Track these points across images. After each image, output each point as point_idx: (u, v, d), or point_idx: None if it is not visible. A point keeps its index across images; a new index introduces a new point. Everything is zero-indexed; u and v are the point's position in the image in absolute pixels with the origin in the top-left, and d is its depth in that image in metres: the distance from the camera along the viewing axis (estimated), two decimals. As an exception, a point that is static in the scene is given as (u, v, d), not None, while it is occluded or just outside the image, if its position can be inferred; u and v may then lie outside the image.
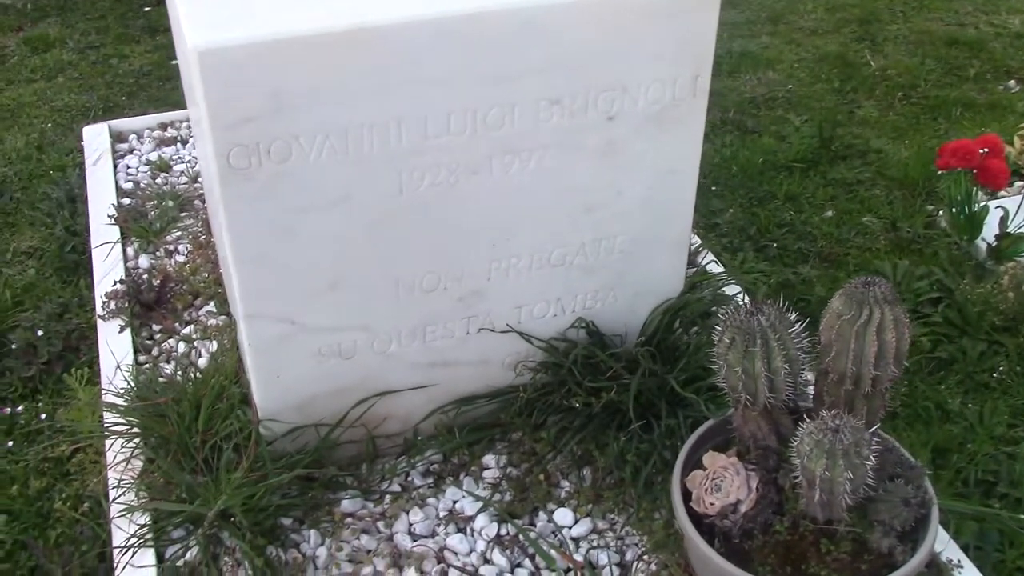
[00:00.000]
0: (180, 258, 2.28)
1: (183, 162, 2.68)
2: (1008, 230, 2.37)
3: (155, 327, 2.08)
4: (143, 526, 1.61)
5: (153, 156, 2.69)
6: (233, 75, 1.34)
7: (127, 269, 2.23)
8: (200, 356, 1.99)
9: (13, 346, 2.19)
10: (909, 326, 1.41)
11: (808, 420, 1.37)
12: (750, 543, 1.46)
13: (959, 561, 1.58)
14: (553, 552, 1.62)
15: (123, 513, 1.64)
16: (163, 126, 2.82)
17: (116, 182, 2.55)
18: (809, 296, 2.38)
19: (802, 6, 4.02)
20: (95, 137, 2.72)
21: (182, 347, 2.02)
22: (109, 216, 2.37)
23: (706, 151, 2.97)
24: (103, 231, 2.34)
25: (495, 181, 1.57)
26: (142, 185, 2.57)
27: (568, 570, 1.60)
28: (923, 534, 1.43)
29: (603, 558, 1.62)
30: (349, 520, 1.68)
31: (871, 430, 1.39)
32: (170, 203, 2.42)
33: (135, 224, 2.35)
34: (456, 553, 1.64)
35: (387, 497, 1.73)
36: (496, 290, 1.70)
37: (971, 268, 2.40)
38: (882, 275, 2.41)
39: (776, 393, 1.43)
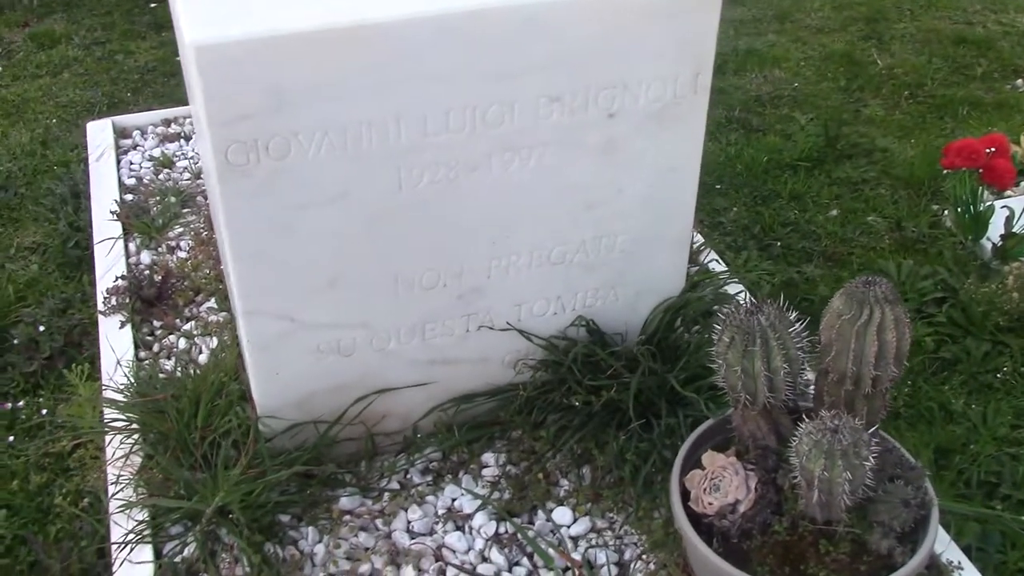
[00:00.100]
0: (182, 254, 2.28)
1: (186, 158, 2.68)
2: (1014, 230, 2.35)
3: (156, 323, 2.08)
4: (141, 522, 1.61)
5: (156, 152, 2.69)
6: (231, 71, 1.34)
7: (129, 265, 2.23)
8: (200, 352, 1.99)
9: (15, 341, 2.20)
10: (910, 326, 1.41)
11: (807, 420, 1.36)
12: (748, 543, 1.46)
13: (959, 563, 1.58)
14: (551, 551, 1.61)
15: (121, 509, 1.64)
16: (167, 122, 2.82)
17: (119, 178, 2.55)
18: (812, 295, 2.37)
19: (809, 4, 4.00)
20: (99, 133, 2.73)
21: (183, 343, 2.02)
22: (111, 212, 2.37)
23: (711, 149, 2.97)
24: (105, 227, 2.34)
25: (495, 179, 1.57)
26: (145, 181, 2.58)
27: (566, 569, 1.60)
28: (923, 535, 1.42)
29: (601, 557, 1.61)
30: (347, 517, 1.68)
31: (870, 430, 1.38)
32: (172, 199, 2.42)
33: (137, 220, 2.35)
34: (454, 551, 1.63)
35: (386, 495, 1.73)
36: (496, 288, 1.70)
37: (976, 268, 2.38)
38: (886, 275, 2.40)
39: (775, 393, 1.42)
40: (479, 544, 1.64)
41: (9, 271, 2.47)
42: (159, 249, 2.31)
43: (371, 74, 1.40)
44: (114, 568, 1.58)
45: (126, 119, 2.84)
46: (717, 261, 2.25)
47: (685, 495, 1.51)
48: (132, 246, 2.31)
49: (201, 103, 1.36)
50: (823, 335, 1.44)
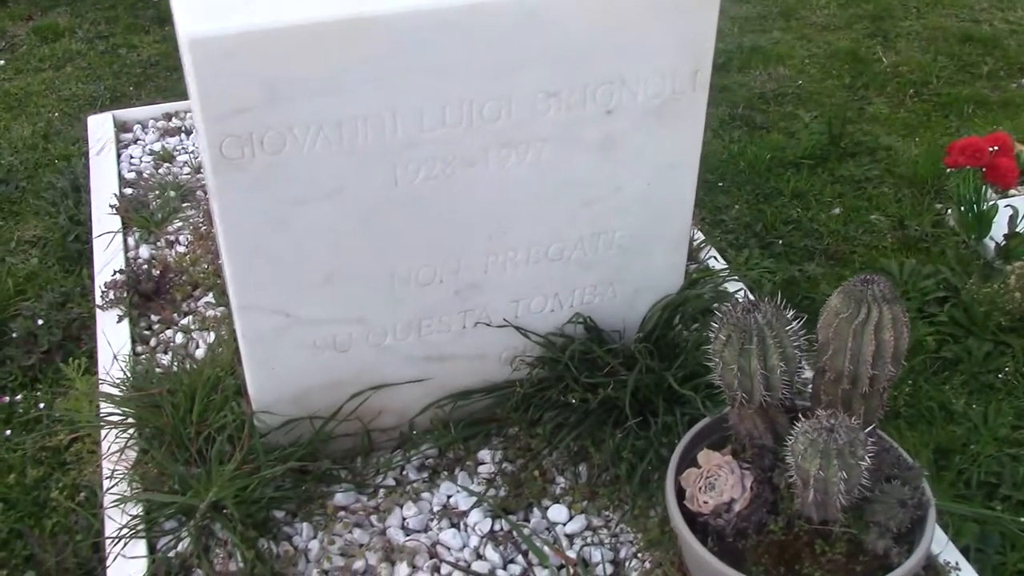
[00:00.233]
0: (180, 248, 2.28)
1: (186, 152, 2.67)
2: (1017, 229, 2.34)
3: (154, 317, 2.08)
4: (135, 517, 1.61)
5: (157, 146, 2.69)
6: (226, 65, 1.33)
7: (127, 259, 2.23)
8: (198, 347, 1.99)
9: (14, 335, 2.20)
10: (908, 325, 1.39)
11: (804, 419, 1.35)
12: (744, 542, 1.45)
13: (957, 564, 1.56)
14: (546, 549, 1.60)
15: (116, 504, 1.63)
16: (167, 116, 2.82)
17: (119, 172, 2.55)
18: (814, 294, 2.36)
19: (815, 1, 3.98)
20: (99, 127, 2.73)
21: (180, 338, 2.02)
22: (111, 206, 2.36)
23: (714, 147, 2.95)
24: (104, 221, 2.34)
25: (492, 174, 1.56)
26: (145, 175, 2.57)
27: (561, 567, 1.59)
28: (920, 536, 1.41)
29: (596, 555, 1.60)
30: (342, 513, 1.67)
31: (867, 430, 1.37)
32: (172, 193, 2.41)
33: (136, 214, 2.35)
34: (449, 548, 1.63)
35: (381, 491, 1.72)
36: (493, 284, 1.69)
37: (979, 267, 2.37)
38: (888, 273, 2.39)
39: (772, 391, 1.41)
40: (474, 541, 1.64)
41: (9, 265, 2.47)
42: (158, 243, 2.30)
43: (367, 68, 1.40)
44: (107, 563, 1.58)
45: (127, 113, 2.84)
46: (716, 259, 2.24)
47: (681, 494, 1.50)
48: (131, 240, 2.31)
49: (196, 96, 1.35)
50: (820, 333, 1.43)
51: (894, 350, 1.38)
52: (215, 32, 1.31)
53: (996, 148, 2.31)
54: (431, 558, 1.61)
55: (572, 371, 1.74)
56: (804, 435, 1.33)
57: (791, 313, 1.43)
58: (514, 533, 1.64)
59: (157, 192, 2.45)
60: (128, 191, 2.48)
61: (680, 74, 1.57)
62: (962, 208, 2.45)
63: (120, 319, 2.04)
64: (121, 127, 2.77)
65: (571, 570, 1.58)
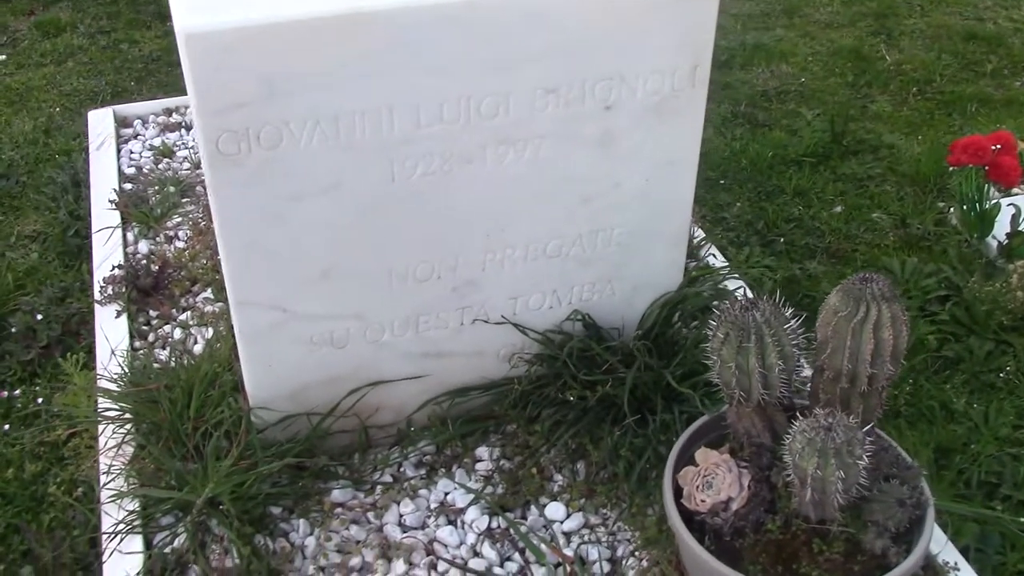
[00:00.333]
0: (180, 244, 2.28)
1: (186, 148, 2.67)
2: (1019, 228, 2.33)
3: (152, 313, 2.07)
4: (132, 512, 1.60)
5: (157, 141, 2.68)
6: (222, 60, 1.33)
7: (126, 254, 2.23)
8: (196, 343, 1.99)
9: (13, 330, 2.19)
10: (907, 324, 1.39)
11: (802, 418, 1.35)
12: (741, 541, 1.44)
13: (956, 564, 1.56)
14: (543, 546, 1.60)
15: (112, 499, 1.63)
16: (168, 111, 2.82)
17: (119, 167, 2.54)
18: (815, 292, 2.35)
19: (818, -2, 3.98)
20: (99, 122, 2.72)
21: (178, 333, 2.01)
22: (110, 201, 2.36)
23: (716, 144, 2.94)
24: (104, 216, 2.34)
25: (489, 171, 1.55)
26: (145, 170, 2.57)
27: (558, 565, 1.59)
28: (918, 535, 1.41)
29: (594, 553, 1.60)
30: (339, 510, 1.67)
31: (865, 429, 1.36)
32: (171, 189, 2.41)
33: (136, 209, 2.34)
34: (446, 545, 1.62)
35: (378, 488, 1.72)
36: (491, 281, 1.68)
37: (981, 266, 2.36)
38: (890, 272, 2.38)
39: (770, 390, 1.41)
40: (471, 538, 1.63)
41: (9, 259, 2.47)
42: (157, 239, 2.30)
43: (364, 63, 1.39)
44: (104, 558, 1.57)
45: (127, 108, 2.83)
46: (714, 256, 2.23)
47: (679, 492, 1.49)
48: (130, 235, 2.31)
49: (192, 91, 1.35)
50: (819, 332, 1.42)
51: (893, 349, 1.38)
52: (212, 27, 1.31)
53: (999, 147, 2.30)
54: (428, 555, 1.60)
55: (570, 368, 1.73)
56: (802, 434, 1.32)
57: (790, 311, 1.42)
58: (511, 531, 1.64)
59: (157, 187, 2.45)
60: (128, 186, 2.48)
61: (679, 70, 1.56)
62: (964, 207, 2.44)
63: (118, 314, 2.03)
64: (121, 122, 2.77)
65: (568, 568, 1.58)
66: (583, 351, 1.76)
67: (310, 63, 1.37)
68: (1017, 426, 2.00)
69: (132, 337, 1.99)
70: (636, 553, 1.60)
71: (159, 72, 3.42)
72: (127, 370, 1.82)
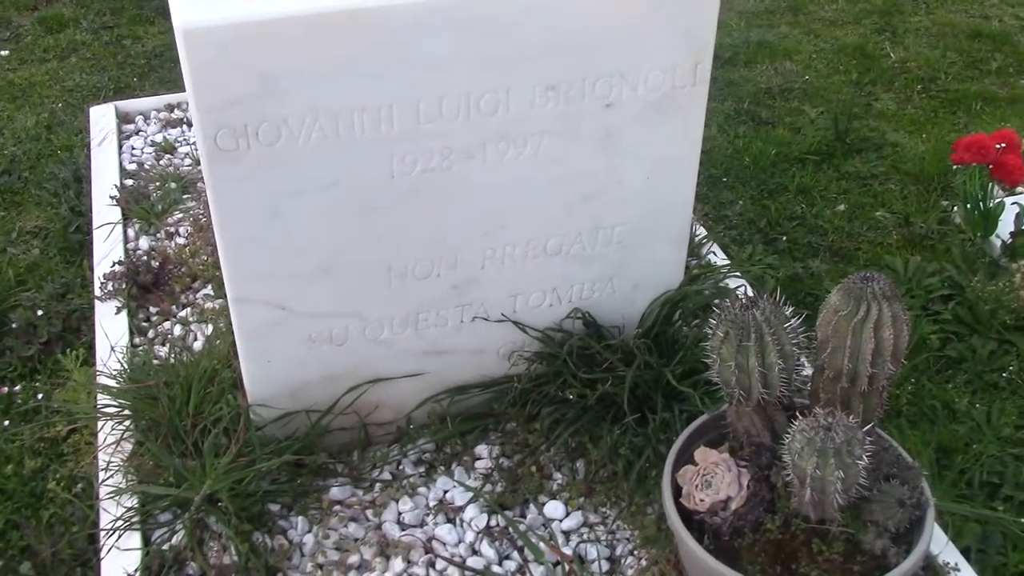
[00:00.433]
0: (180, 240, 2.27)
1: (188, 144, 2.66)
2: (1023, 227, 2.32)
3: (152, 309, 2.07)
4: (130, 509, 1.60)
5: (158, 137, 2.68)
6: (220, 55, 1.32)
7: (127, 250, 2.22)
8: (196, 339, 1.98)
9: (13, 325, 2.19)
10: (908, 323, 1.38)
11: (802, 417, 1.34)
12: (740, 541, 1.43)
13: (956, 564, 1.55)
14: (542, 545, 1.59)
15: (111, 495, 1.63)
16: (170, 107, 2.81)
17: (120, 163, 2.54)
18: (817, 291, 2.34)
19: (823, -4, 3.96)
20: (101, 118, 2.72)
21: (178, 330, 2.01)
22: (111, 197, 2.36)
23: (719, 142, 2.93)
24: (105, 212, 2.33)
25: (489, 168, 1.55)
26: (146, 166, 2.57)
27: (557, 563, 1.58)
28: (918, 536, 1.40)
29: (593, 552, 1.59)
30: (338, 508, 1.67)
31: (865, 429, 1.35)
32: (173, 185, 2.41)
33: (137, 206, 2.34)
34: (444, 544, 1.62)
35: (377, 485, 1.71)
36: (491, 278, 1.68)
37: (984, 265, 2.35)
38: (893, 271, 2.37)
39: (770, 389, 1.40)
40: (469, 537, 1.63)
41: (10, 255, 2.47)
42: (158, 235, 2.30)
43: (363, 59, 1.38)
44: (102, 554, 1.57)
45: (129, 104, 2.83)
46: (715, 254, 2.22)
47: (678, 491, 1.49)
48: (131, 232, 2.31)
49: (190, 87, 1.34)
50: (819, 331, 1.41)
51: (894, 348, 1.37)
52: (210, 22, 1.30)
53: (1003, 145, 2.29)
54: (426, 553, 1.60)
55: (570, 367, 1.72)
56: (801, 434, 1.31)
57: (791, 310, 1.41)
58: (510, 529, 1.63)
59: (158, 183, 2.45)
60: (129, 182, 2.48)
61: (681, 67, 1.55)
62: (968, 205, 2.43)
63: (118, 311, 2.03)
64: (123, 118, 2.77)
65: (567, 567, 1.57)
66: (583, 349, 1.75)
67: (309, 59, 1.36)
68: (1019, 426, 1.99)
69: (132, 333, 1.99)
70: (635, 552, 1.60)
71: (162, 68, 3.42)
72: (126, 367, 1.82)
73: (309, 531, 1.63)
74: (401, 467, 1.75)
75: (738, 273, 2.12)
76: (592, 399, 1.69)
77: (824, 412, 1.32)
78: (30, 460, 1.89)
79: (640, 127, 1.59)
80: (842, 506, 1.36)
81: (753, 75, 3.39)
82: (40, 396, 2.04)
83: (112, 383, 1.79)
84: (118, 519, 1.58)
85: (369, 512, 1.67)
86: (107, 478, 1.67)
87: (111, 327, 1.99)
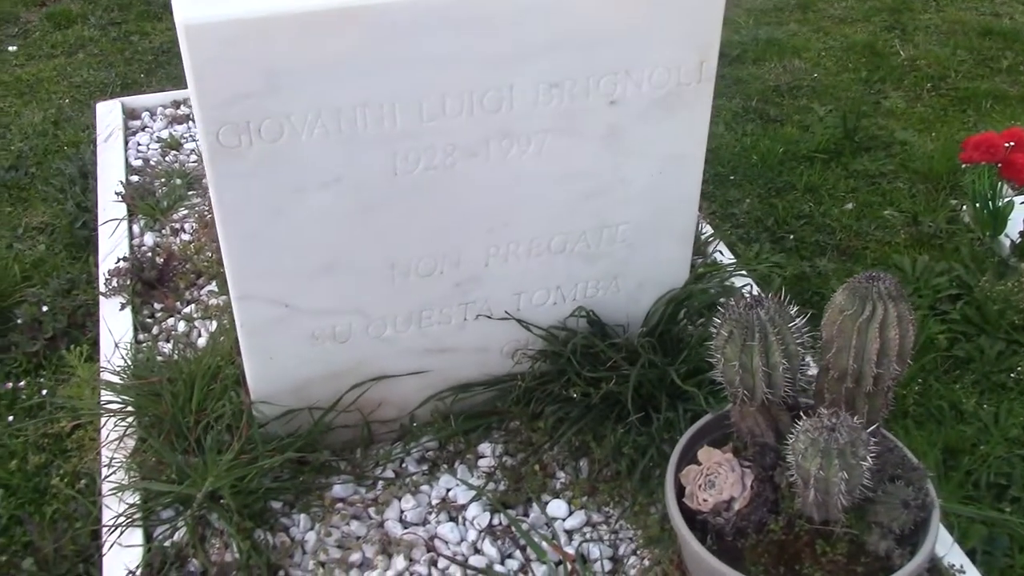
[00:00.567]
0: (185, 236, 2.27)
1: (194, 140, 2.66)
2: (1032, 226, 2.30)
3: (156, 305, 2.07)
4: (132, 505, 1.60)
5: (164, 134, 2.68)
6: (222, 52, 1.32)
7: (132, 247, 2.22)
8: (200, 336, 1.98)
9: (19, 321, 2.19)
10: (914, 323, 1.37)
11: (806, 417, 1.33)
12: (743, 541, 1.42)
13: (962, 566, 1.54)
14: (544, 544, 1.59)
15: (113, 492, 1.63)
16: (176, 104, 2.81)
17: (126, 159, 2.54)
18: (824, 290, 2.33)
19: (832, -7, 3.94)
20: (107, 114, 2.72)
21: (182, 326, 2.01)
22: (116, 193, 2.36)
23: (726, 140, 2.92)
24: (110, 208, 2.33)
25: (493, 165, 1.54)
26: (152, 163, 2.57)
27: (559, 563, 1.57)
28: (923, 537, 1.39)
29: (595, 551, 1.59)
30: (340, 505, 1.66)
31: (870, 429, 1.34)
32: (178, 181, 2.41)
33: (142, 202, 2.34)
34: (447, 542, 1.61)
35: (380, 483, 1.71)
36: (494, 276, 1.67)
37: (993, 265, 2.33)
38: (900, 270, 2.35)
39: (774, 389, 1.39)
40: (472, 535, 1.62)
41: (16, 251, 2.47)
42: (163, 231, 2.30)
43: (365, 56, 1.38)
44: (104, 551, 1.57)
45: (135, 100, 2.83)
46: (721, 253, 2.21)
47: (681, 491, 1.48)
48: (136, 228, 2.30)
49: (192, 83, 1.34)
50: (824, 331, 1.40)
51: (899, 348, 1.36)
52: (212, 18, 1.30)
53: (1012, 144, 2.27)
54: (428, 551, 1.59)
55: (574, 365, 1.72)
56: (805, 434, 1.30)
57: (797, 309, 1.40)
58: (513, 528, 1.62)
59: (163, 180, 2.44)
60: (135, 178, 2.48)
61: (686, 64, 1.54)
62: (977, 204, 2.42)
63: (123, 307, 2.03)
64: (129, 114, 2.77)
65: (569, 566, 1.57)
66: (587, 348, 1.74)
67: (311, 56, 1.36)
68: (1028, 427, 1.97)
69: (136, 330, 1.99)
70: (638, 552, 1.59)
71: (169, 64, 3.42)
72: (130, 363, 1.81)
73: (311, 529, 1.62)
74: (404, 465, 1.75)
75: (744, 272, 2.11)
76: (596, 398, 1.68)
77: (828, 412, 1.31)
78: (34, 456, 1.89)
79: (645, 124, 1.58)
80: (846, 507, 1.35)
81: (761, 73, 3.37)
82: (44, 392, 2.04)
83: (116, 379, 1.78)
84: (120, 515, 1.58)
85: (371, 510, 1.66)
86: (110, 474, 1.67)
87: (115, 323, 1.99)
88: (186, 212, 2.34)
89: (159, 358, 1.86)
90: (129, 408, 1.74)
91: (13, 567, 1.69)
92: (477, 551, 1.60)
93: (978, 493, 1.83)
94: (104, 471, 1.68)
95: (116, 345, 1.89)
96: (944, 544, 1.56)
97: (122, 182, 2.40)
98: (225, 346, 1.80)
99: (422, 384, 1.75)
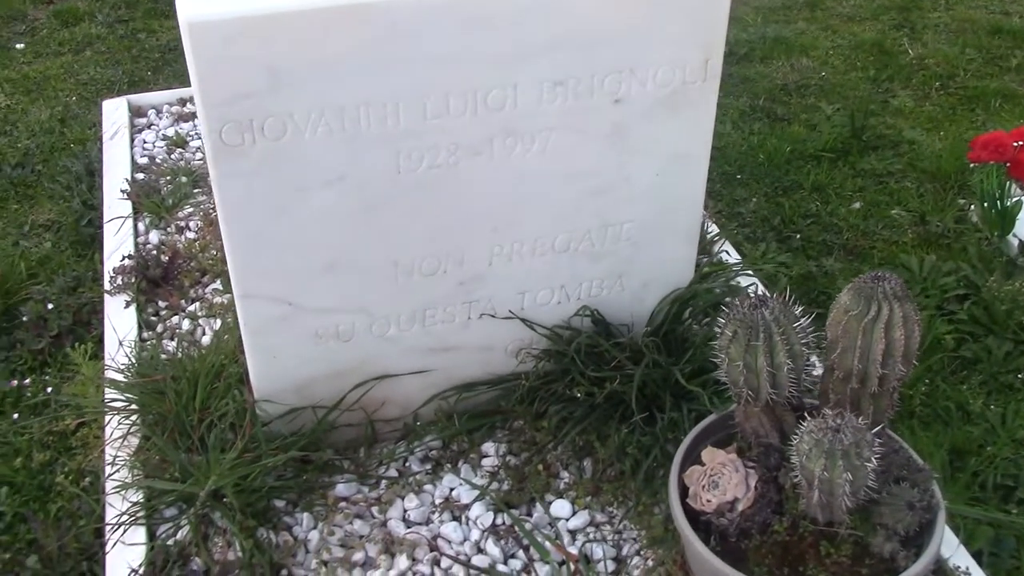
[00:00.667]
0: (190, 235, 2.27)
1: (200, 138, 2.66)
2: (1040, 226, 2.29)
3: (161, 304, 2.07)
4: (136, 504, 1.60)
5: (170, 131, 2.68)
6: (225, 49, 1.31)
7: (137, 244, 2.22)
8: (204, 334, 1.98)
9: (24, 318, 2.20)
10: (919, 324, 1.36)
11: (811, 418, 1.32)
12: (747, 542, 1.42)
13: (967, 568, 1.53)
14: (548, 544, 1.58)
15: (117, 490, 1.63)
16: (182, 101, 2.81)
17: (132, 157, 2.54)
18: (830, 289, 2.32)
19: (841, -9, 3.93)
20: (114, 111, 2.72)
21: (186, 324, 2.01)
22: (122, 191, 2.36)
23: (733, 139, 2.91)
24: (116, 206, 2.34)
25: (497, 164, 1.53)
26: (157, 160, 2.57)
27: (562, 563, 1.57)
28: (928, 539, 1.38)
29: (599, 552, 1.58)
30: (343, 504, 1.66)
31: (875, 430, 1.33)
32: (183, 179, 2.41)
33: (147, 199, 2.34)
34: (450, 542, 1.61)
35: (383, 482, 1.70)
36: (498, 275, 1.67)
37: (1001, 265, 2.32)
38: (908, 270, 2.34)
39: (778, 389, 1.38)
40: (475, 535, 1.62)
41: (23, 248, 2.47)
42: (168, 229, 2.30)
43: (369, 54, 1.37)
44: (107, 549, 1.57)
45: (142, 98, 2.83)
46: (727, 252, 2.20)
47: (685, 491, 1.47)
48: (141, 226, 2.30)
49: (195, 81, 1.34)
50: (829, 331, 1.39)
51: (904, 349, 1.35)
52: (215, 16, 1.29)
53: (1021, 143, 2.26)
54: (431, 551, 1.59)
55: (578, 365, 1.71)
56: (809, 435, 1.29)
57: (803, 309, 1.40)
58: (516, 527, 1.62)
59: (169, 177, 2.44)
60: (140, 176, 2.48)
61: (691, 63, 1.53)
62: (985, 204, 2.40)
63: (127, 305, 2.03)
64: (136, 112, 2.77)
65: (572, 566, 1.56)
66: (591, 347, 1.74)
67: (314, 54, 1.35)
68: (1035, 428, 1.96)
69: (140, 328, 1.99)
70: (641, 552, 1.58)
71: (176, 62, 3.42)
72: (134, 361, 1.81)
73: (314, 528, 1.62)
74: (407, 464, 1.74)
75: (750, 271, 2.10)
76: (600, 397, 1.67)
77: (833, 413, 1.30)
78: (39, 453, 1.90)
79: (650, 123, 1.58)
80: (851, 508, 1.34)
81: (769, 71, 3.36)
82: (49, 389, 2.04)
83: (120, 377, 1.78)
84: (123, 514, 1.58)
85: (375, 509, 1.66)
86: (113, 472, 1.67)
87: (120, 321, 1.99)
88: (191, 210, 2.34)
89: (163, 356, 1.86)
90: (133, 406, 1.74)
91: (18, 564, 1.69)
92: (480, 551, 1.60)
93: (985, 494, 1.82)
94: (108, 469, 1.68)
95: (120, 343, 1.89)
96: (950, 546, 1.55)
97: (128, 180, 2.41)
98: (229, 344, 1.80)
99: (426, 383, 1.75)
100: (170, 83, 3.21)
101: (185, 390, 1.71)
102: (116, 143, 2.59)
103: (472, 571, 1.56)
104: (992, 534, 1.69)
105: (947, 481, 1.80)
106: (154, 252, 2.17)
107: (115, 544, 1.57)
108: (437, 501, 1.68)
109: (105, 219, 2.32)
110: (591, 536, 1.62)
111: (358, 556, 1.58)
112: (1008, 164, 2.29)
